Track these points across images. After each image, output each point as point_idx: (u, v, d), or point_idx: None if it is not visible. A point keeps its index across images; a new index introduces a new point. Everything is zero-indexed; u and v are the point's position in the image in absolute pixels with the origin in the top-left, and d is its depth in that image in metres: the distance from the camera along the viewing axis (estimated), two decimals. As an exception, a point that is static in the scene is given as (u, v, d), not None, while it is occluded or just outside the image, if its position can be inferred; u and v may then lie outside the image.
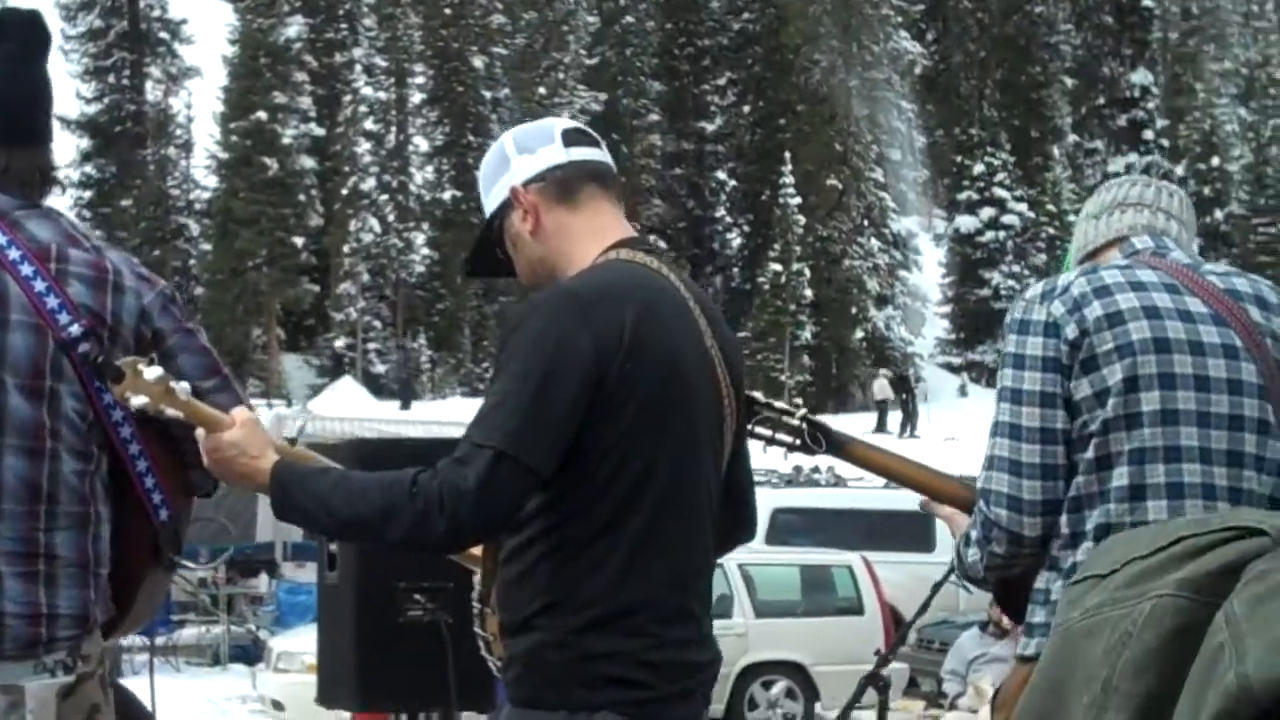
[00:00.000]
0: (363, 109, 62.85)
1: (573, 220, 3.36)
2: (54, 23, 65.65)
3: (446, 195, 62.93)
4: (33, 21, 3.81)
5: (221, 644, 20.81)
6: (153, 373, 3.36)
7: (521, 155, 3.41)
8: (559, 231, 3.37)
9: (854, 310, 65.01)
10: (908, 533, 20.86)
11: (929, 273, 71.23)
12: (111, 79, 67.19)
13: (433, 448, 7.51)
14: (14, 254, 3.54)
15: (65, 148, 64.79)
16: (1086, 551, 3.61)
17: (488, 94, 64.68)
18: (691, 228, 66.95)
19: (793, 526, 20.79)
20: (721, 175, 67.52)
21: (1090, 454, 3.63)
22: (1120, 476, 3.62)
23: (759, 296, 62.76)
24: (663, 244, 64.42)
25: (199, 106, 64.36)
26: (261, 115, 59.77)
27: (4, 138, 3.64)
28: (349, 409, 31.59)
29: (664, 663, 3.21)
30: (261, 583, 22.76)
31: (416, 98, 66.07)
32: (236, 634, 21.04)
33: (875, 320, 65.80)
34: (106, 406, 3.56)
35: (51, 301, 3.54)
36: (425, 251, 63.89)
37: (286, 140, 60.70)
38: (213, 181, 63.46)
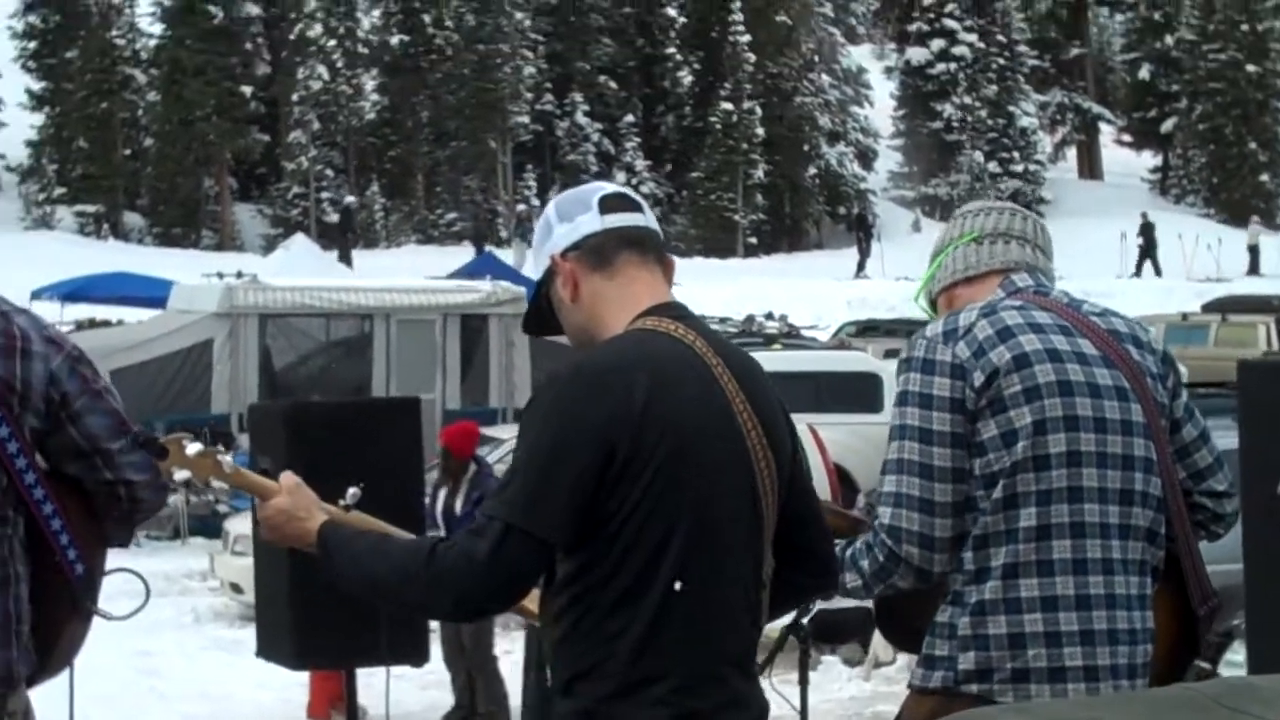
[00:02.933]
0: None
1: (608, 288, 3.40)
2: None
3: (395, 40, 62.33)
4: None
5: (180, 517, 20.89)
6: (194, 448, 3.50)
7: (562, 223, 3.46)
8: (595, 299, 3.41)
9: (806, 147, 64.89)
10: (855, 393, 21.07)
11: (880, 107, 71.04)
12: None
13: (359, 411, 7.68)
14: None
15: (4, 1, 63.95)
16: (993, 589, 3.79)
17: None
18: (642, 66, 66.43)
19: (741, 390, 20.90)
20: (671, 12, 66.86)
21: (998, 493, 3.79)
22: (1028, 517, 3.78)
23: (711, 135, 62.55)
24: (613, 84, 64.08)
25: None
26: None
27: None
28: (300, 271, 31.50)
29: None
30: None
31: (362, -60, 65.26)
32: (195, 505, 21.12)
33: (828, 157, 65.72)
34: (20, 471, 3.68)
35: None
36: (375, 98, 63.40)
37: (232, -13, 60.06)
38: (158, 30, 62.69)
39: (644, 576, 3.19)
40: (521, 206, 57.73)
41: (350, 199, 52.94)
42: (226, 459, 3.51)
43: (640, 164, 63.17)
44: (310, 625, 6.62)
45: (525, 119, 62.04)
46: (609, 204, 3.45)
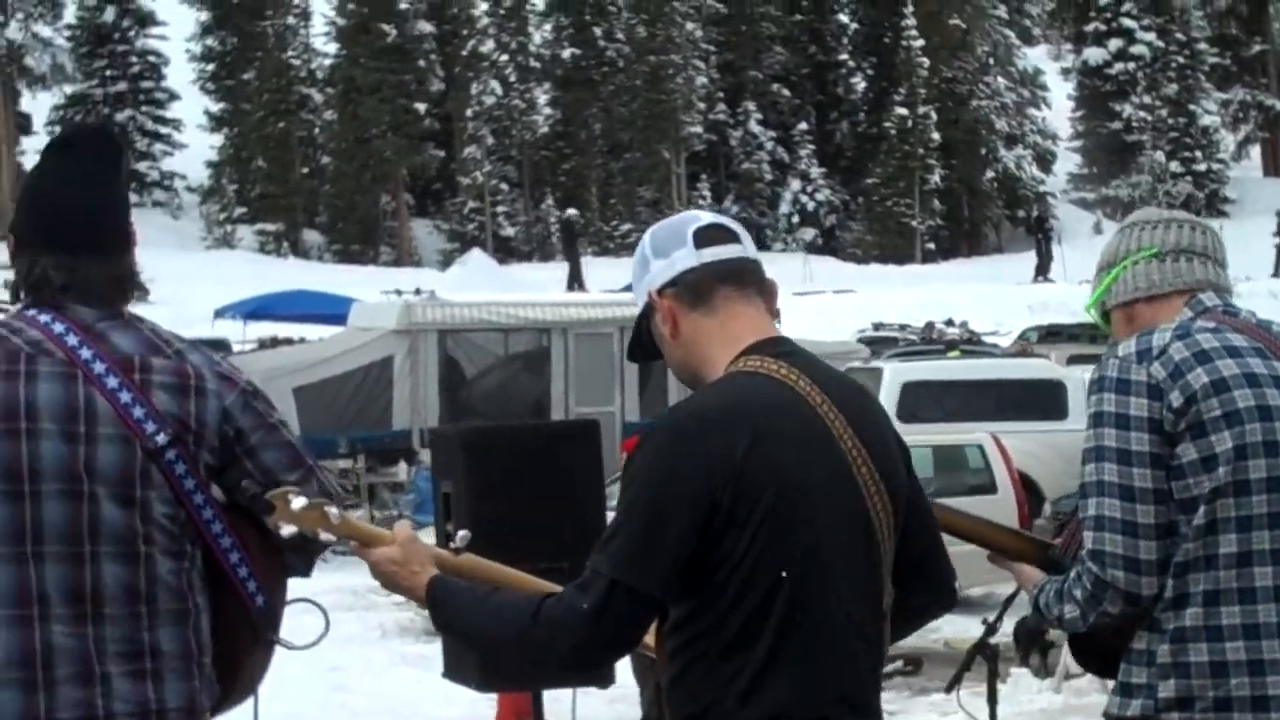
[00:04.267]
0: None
1: (707, 324, 3.36)
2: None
3: (567, 53, 62.57)
4: (101, 135, 3.95)
5: (365, 532, 20.99)
6: (299, 502, 3.52)
7: (658, 259, 3.42)
8: (695, 336, 3.38)
9: (983, 151, 64.26)
10: (1039, 401, 20.73)
11: (1058, 108, 70.15)
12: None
13: (538, 435, 7.56)
14: (99, 367, 3.67)
15: (185, 22, 65.05)
16: (1194, 616, 3.74)
17: (604, -53, 64.05)
18: (814, 73, 66.20)
19: (923, 400, 20.63)
20: (843, 18, 66.64)
21: (1199, 519, 3.73)
22: (1229, 543, 3.73)
23: (886, 141, 62.17)
24: (786, 92, 63.89)
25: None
26: (369, -21, 59.73)
27: (78, 251, 3.75)
28: (477, 286, 31.66)
29: None
30: (400, 470, 22.99)
31: (531, -45, 65.63)
32: (381, 521, 21.24)
33: (1005, 160, 65.00)
34: (197, 506, 3.71)
35: (137, 412, 3.66)
36: (548, 111, 63.70)
37: (404, 5, 60.62)
38: (333, 49, 63.51)
39: (754, 622, 3.19)
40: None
41: (571, 211, 52.96)
42: (333, 510, 3.53)
43: (815, 171, 62.92)
44: (508, 661, 6.49)
45: (698, 129, 62.00)
46: (705, 236, 3.40)
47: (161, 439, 3.65)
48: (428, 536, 10.36)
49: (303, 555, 3.88)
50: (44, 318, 3.72)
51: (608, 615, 3.15)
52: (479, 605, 3.36)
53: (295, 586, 3.97)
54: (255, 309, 32.23)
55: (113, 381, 3.66)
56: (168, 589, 3.68)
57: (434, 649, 13.42)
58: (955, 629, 14.84)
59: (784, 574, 3.18)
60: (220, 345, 27.46)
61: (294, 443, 3.86)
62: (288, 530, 3.52)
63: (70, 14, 63.32)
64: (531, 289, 40.15)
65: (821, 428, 3.27)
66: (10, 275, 3.90)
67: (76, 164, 3.82)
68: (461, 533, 3.58)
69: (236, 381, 3.83)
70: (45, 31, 62.33)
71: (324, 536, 3.54)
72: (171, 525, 3.69)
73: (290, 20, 64.01)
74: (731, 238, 3.42)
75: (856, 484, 3.28)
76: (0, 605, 3.61)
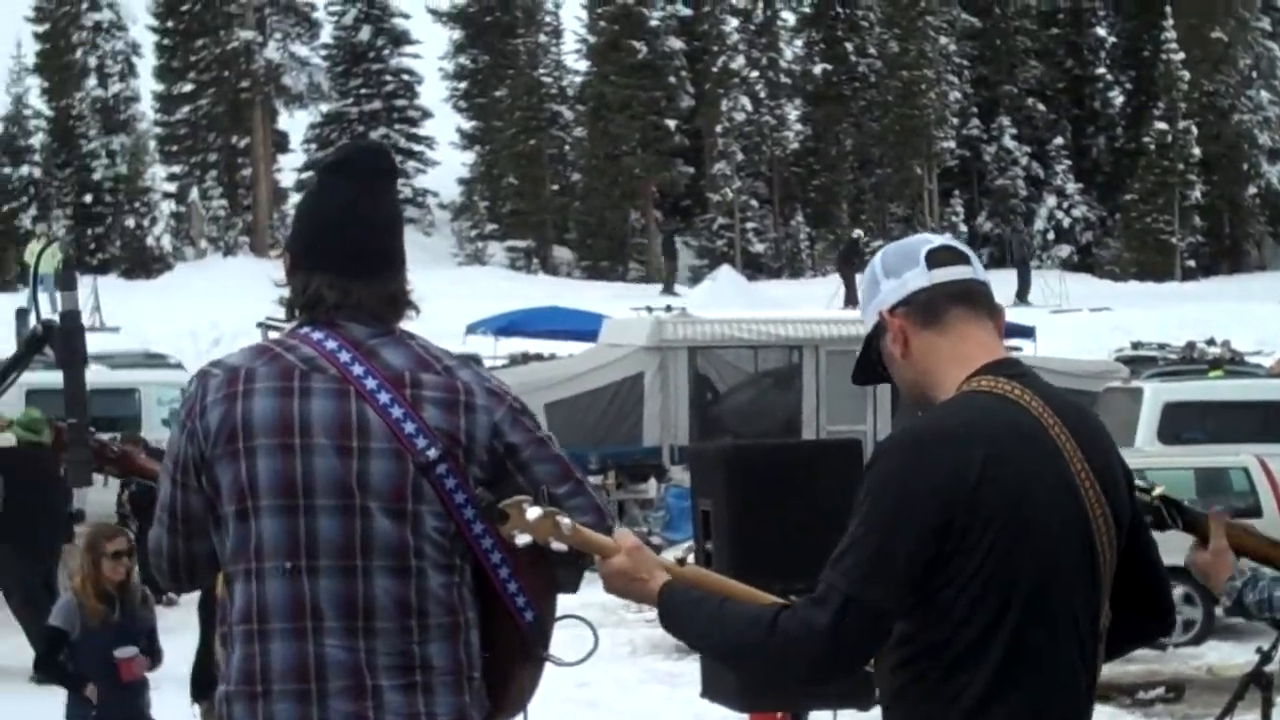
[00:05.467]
0: (728, -15, 62.61)
1: (940, 344, 3.40)
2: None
3: (817, 69, 62.37)
4: (377, 154, 4.03)
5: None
6: (534, 512, 3.54)
7: (888, 279, 3.46)
8: (926, 355, 3.41)
9: (1245, 166, 62.70)
10: (1307, 423, 20.14)
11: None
12: (486, -31, 68.13)
13: (800, 454, 7.48)
14: (371, 383, 3.75)
15: (438, 41, 66.05)
16: None
17: (856, -38, 63.76)
18: (1071, 88, 65.13)
19: (1185, 421, 20.19)
20: (1100, 32, 65.46)
21: None
22: None
23: (1144, 156, 60.90)
24: (1041, 106, 62.99)
25: (566, -8, 64.52)
26: (628, -2, 60.12)
27: (353, 270, 3.84)
28: (726, 303, 31.64)
29: None
30: (650, 487, 23.05)
31: (781, -29, 65.52)
32: (630, 539, 21.24)
33: (1269, 175, 63.36)
34: (467, 521, 3.78)
35: (409, 427, 3.72)
36: (798, 127, 63.56)
37: (654, 22, 60.92)
38: (583, 67, 64.05)
39: (982, 641, 3.22)
40: (948, 235, 57.03)
41: (857, 232, 52.74)
42: (565, 520, 3.55)
43: (1070, 187, 61.93)
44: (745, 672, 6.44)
45: (951, 144, 61.41)
46: (937, 258, 3.44)
47: (432, 454, 3.71)
48: (673, 555, 10.34)
49: (571, 571, 3.90)
50: (317, 335, 3.81)
51: (843, 631, 3.18)
52: (712, 615, 3.40)
53: (563, 602, 3.99)
54: (506, 325, 32.58)
55: (384, 397, 3.75)
56: (439, 603, 3.74)
57: (684, 666, 13.41)
58: (1220, 655, 14.47)
59: (1014, 593, 3.21)
60: (472, 361, 27.75)
61: (563, 456, 3.92)
62: (522, 539, 3.56)
63: (327, 34, 64.70)
64: (781, 306, 40.03)
65: (1053, 448, 3.29)
66: (286, 293, 3.96)
67: (351, 184, 3.90)
68: (686, 544, 3.62)
69: (505, 397, 3.88)
70: (302, 51, 63.81)
71: (555, 546, 3.56)
72: (442, 539, 3.75)
73: (542, 38, 64.61)
74: (963, 259, 3.46)
75: (1083, 505, 3.30)
76: (275, 618, 3.70)
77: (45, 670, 9.58)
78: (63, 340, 3.70)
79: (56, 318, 4.03)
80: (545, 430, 3.94)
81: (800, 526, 6.30)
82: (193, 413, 3.80)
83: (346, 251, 3.82)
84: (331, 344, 3.77)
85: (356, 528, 3.69)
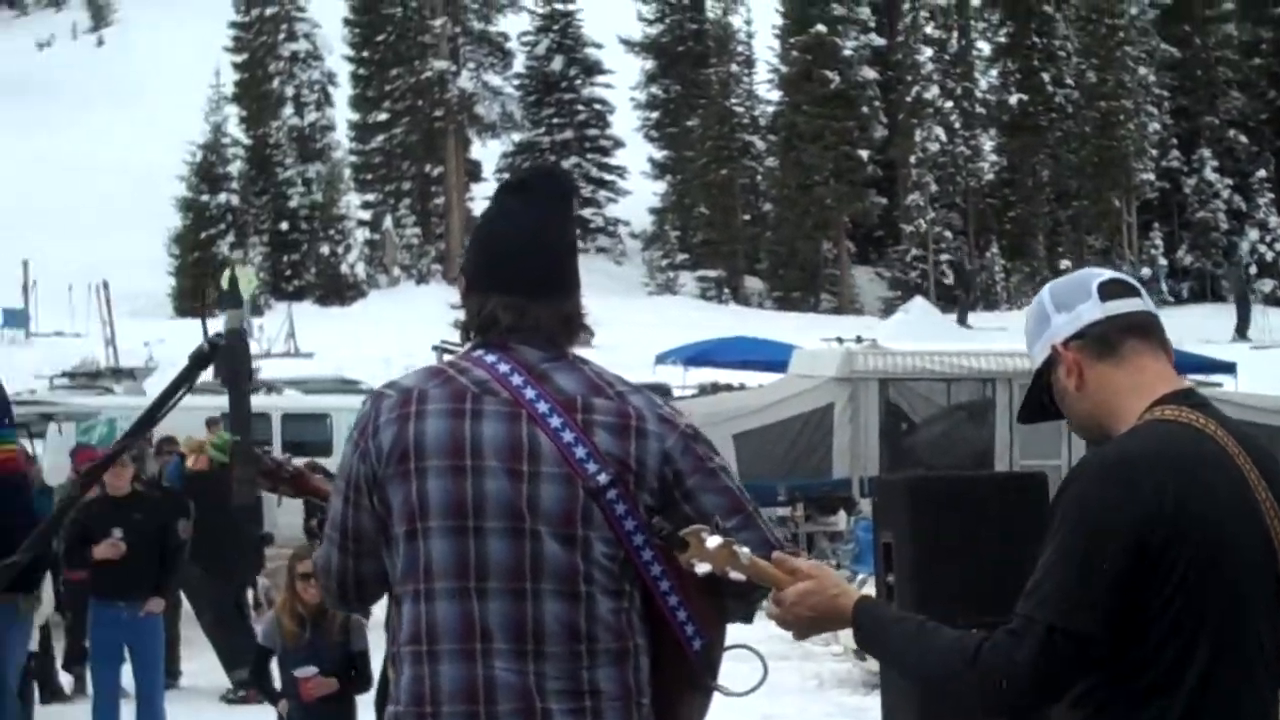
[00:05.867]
0: (923, 15, 62.19)
1: (1116, 375, 3.40)
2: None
3: (1013, 99, 61.77)
4: (554, 177, 4.05)
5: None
6: (714, 541, 3.52)
7: (1060, 312, 3.46)
8: (1102, 388, 3.41)
9: None
10: None
11: None
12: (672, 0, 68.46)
13: (985, 486, 7.34)
14: (543, 407, 3.74)
15: (630, 70, 66.42)
16: None
17: (1050, -8, 63.10)
18: (1274, 119, 63.89)
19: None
20: (1303, 62, 64.28)
21: None
22: None
23: (1351, 190, 59.67)
24: (1243, 138, 61.84)
25: (759, 22, 64.44)
26: (821, 28, 59.95)
27: (528, 292, 3.83)
28: (918, 335, 31.37)
29: None
30: (839, 520, 22.89)
31: (976, 0, 65.00)
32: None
33: None
34: (636, 547, 3.72)
35: (580, 451, 3.71)
36: (994, 158, 63.03)
37: (847, 52, 60.75)
38: (775, 97, 63.98)
39: (1175, 671, 3.18)
40: (1146, 270, 56.21)
41: (969, 262, 52.60)
42: (743, 550, 3.52)
43: (1274, 220, 60.72)
44: (936, 698, 6.34)
45: (1150, 176, 60.55)
46: (1109, 290, 3.45)
47: (603, 479, 3.69)
48: (868, 589, 10.23)
49: (743, 601, 3.83)
50: (490, 358, 3.81)
51: (1049, 662, 3.16)
52: (910, 634, 3.39)
53: (733, 632, 3.93)
54: (696, 355, 32.54)
55: (556, 421, 3.72)
56: (608, 628, 3.71)
57: (872, 701, 13.23)
58: None
59: (1205, 623, 3.18)
60: (661, 390, 27.77)
61: (734, 487, 3.85)
62: (701, 568, 3.52)
63: (520, 63, 65.34)
64: (975, 338, 39.67)
65: (1239, 478, 3.28)
66: (461, 316, 3.96)
67: (527, 206, 3.90)
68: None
69: (677, 424, 3.84)
70: (495, 81, 64.50)
71: (733, 575, 3.53)
72: (611, 565, 3.72)
73: (734, 68, 64.78)
74: (1134, 292, 3.47)
75: (1270, 536, 3.28)
76: (445, 639, 3.69)
77: (256, 686, 9.92)
78: (227, 359, 3.68)
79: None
80: (720, 460, 3.89)
81: (984, 560, 6.20)
82: (366, 432, 3.82)
83: (521, 274, 3.83)
84: (504, 367, 3.78)
85: (526, 551, 3.68)
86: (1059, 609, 3.14)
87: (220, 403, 18.98)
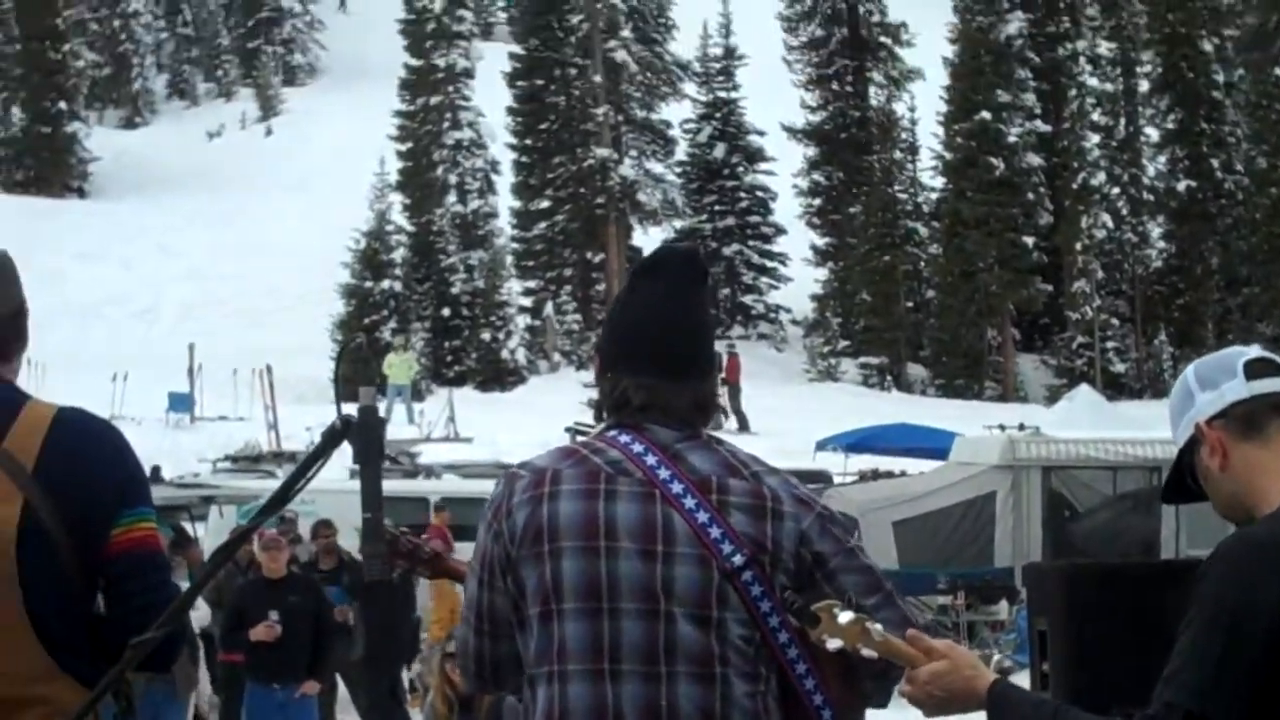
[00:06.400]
0: (1089, 101, 61.74)
1: (1261, 456, 3.34)
2: (775, 35, 67.71)
3: (1181, 185, 61.00)
4: (688, 258, 4.01)
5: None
6: (845, 616, 3.47)
7: (1205, 391, 3.41)
8: (1249, 468, 3.34)
9: None
10: None
11: None
12: (834, 86, 68.50)
13: (1141, 574, 7.16)
14: (677, 487, 3.73)
15: (792, 157, 66.53)
16: None
17: (1219, 77, 62.34)
18: None
19: None
20: None
21: None
22: None
23: None
24: None
25: (922, 109, 64.27)
26: (985, 115, 59.69)
27: (661, 373, 3.83)
28: (1082, 423, 30.94)
29: None
30: (1001, 609, 22.61)
31: (1144, 86, 64.37)
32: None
33: None
34: (772, 629, 3.70)
35: (714, 532, 3.69)
36: (1161, 244, 62.26)
37: (1012, 138, 60.38)
38: (939, 183, 63.76)
39: None
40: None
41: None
42: (875, 627, 3.46)
43: None
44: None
45: (1323, 262, 59.49)
46: (1255, 369, 3.41)
47: (738, 560, 3.67)
48: (1022, 678, 10.00)
49: (881, 682, 3.79)
50: (624, 438, 3.81)
51: None
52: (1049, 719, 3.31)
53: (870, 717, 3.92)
54: (857, 441, 32.38)
55: (690, 501, 3.70)
56: (742, 711, 3.68)
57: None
58: None
59: None
60: (821, 477, 27.68)
61: (872, 567, 3.83)
62: (833, 644, 3.47)
63: (682, 150, 65.65)
64: (1141, 427, 39.03)
65: None
66: (595, 395, 3.99)
67: (659, 287, 3.89)
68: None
69: (813, 506, 3.83)
70: (657, 168, 64.85)
71: (865, 652, 3.47)
72: (747, 647, 3.69)
73: (897, 154, 64.66)
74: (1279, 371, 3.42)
75: None
76: None
77: None
78: (360, 435, 3.71)
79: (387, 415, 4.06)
80: (856, 540, 3.87)
81: (1141, 649, 6.04)
82: (499, 513, 3.83)
83: (654, 353, 3.82)
84: (638, 447, 3.77)
85: (660, 633, 3.66)
86: (1199, 696, 3.07)
87: (387, 487, 19.11)
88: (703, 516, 3.68)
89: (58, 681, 3.86)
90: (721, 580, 3.66)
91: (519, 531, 3.75)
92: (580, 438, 4.18)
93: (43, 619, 3.86)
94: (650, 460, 3.74)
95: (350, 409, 3.67)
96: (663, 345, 3.81)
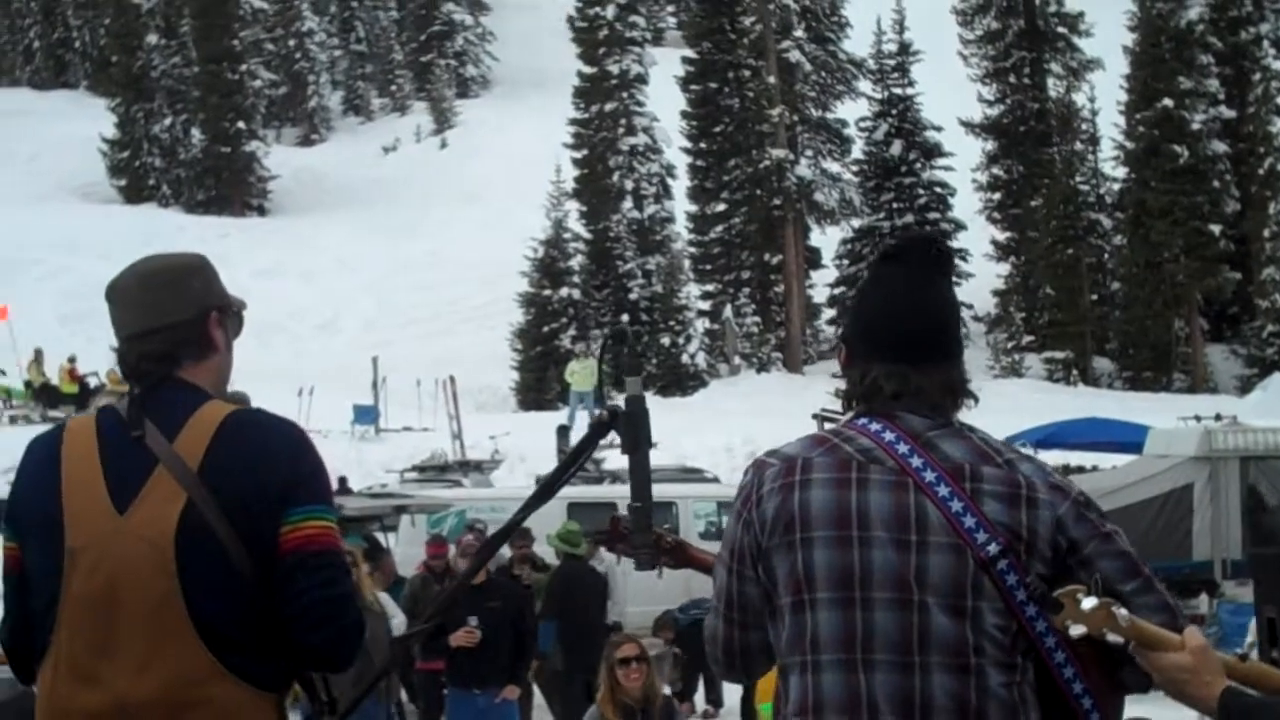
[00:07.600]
0: (1274, 85, 60.50)
1: None
2: (950, 29, 67.09)
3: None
4: (929, 242, 3.96)
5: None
6: (1089, 602, 3.42)
7: None
8: None
9: None
10: None
11: None
12: (1012, 79, 67.76)
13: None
14: (930, 476, 3.68)
15: (971, 152, 65.94)
16: None
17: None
18: None
19: None
20: None
21: None
22: None
23: None
24: None
25: (1102, 99, 63.35)
26: (1168, 102, 58.75)
27: (910, 359, 3.78)
28: (1278, 412, 30.38)
29: None
30: (1202, 603, 22.27)
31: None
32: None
33: None
34: (1030, 618, 3.63)
35: (968, 521, 3.64)
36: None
37: (1196, 126, 59.35)
38: (1121, 173, 62.85)
39: None
40: None
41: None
42: (1122, 612, 3.42)
43: None
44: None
45: None
46: None
47: (993, 549, 3.62)
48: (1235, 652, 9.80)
49: (1138, 671, 3.66)
50: (875, 426, 3.76)
51: None
52: None
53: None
54: (1046, 437, 31.97)
55: (943, 490, 3.66)
56: (999, 702, 3.61)
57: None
58: None
59: None
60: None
61: (1129, 551, 3.74)
62: (1076, 630, 3.43)
63: (858, 149, 65.31)
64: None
65: None
66: (843, 385, 3.93)
67: (902, 272, 3.86)
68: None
69: (1068, 492, 3.76)
70: (833, 167, 64.55)
71: (1111, 638, 3.41)
72: (1002, 637, 3.63)
73: (1078, 145, 63.78)
74: None
75: None
76: (830, 712, 3.64)
77: None
78: (628, 425, 3.71)
79: (622, 403, 4.07)
80: (1112, 525, 3.77)
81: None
82: (749, 502, 3.80)
83: (902, 339, 3.78)
84: (889, 435, 3.73)
85: (914, 623, 3.62)
86: None
87: (575, 492, 19.15)
88: (956, 505, 3.64)
89: (224, 682, 3.85)
90: (976, 570, 3.61)
91: (770, 520, 3.72)
92: (828, 425, 4.14)
93: (208, 619, 3.85)
94: (902, 448, 3.70)
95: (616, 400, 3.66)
96: (909, 330, 3.77)
